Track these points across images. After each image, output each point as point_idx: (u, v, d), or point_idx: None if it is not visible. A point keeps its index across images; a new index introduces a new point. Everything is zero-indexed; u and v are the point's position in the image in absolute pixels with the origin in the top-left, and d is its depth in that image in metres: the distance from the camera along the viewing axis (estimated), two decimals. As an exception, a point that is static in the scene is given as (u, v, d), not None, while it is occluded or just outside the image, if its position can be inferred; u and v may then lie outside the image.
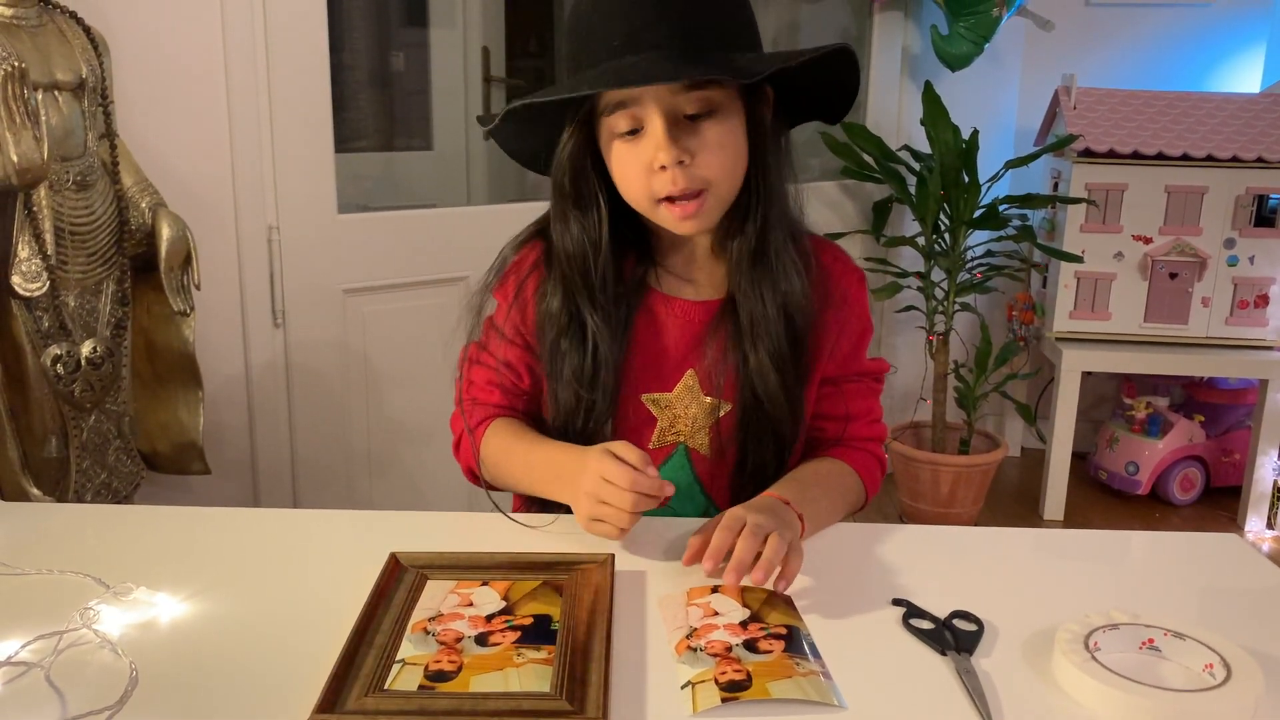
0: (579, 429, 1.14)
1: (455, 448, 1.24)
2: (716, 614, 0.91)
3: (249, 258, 2.04)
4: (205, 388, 1.91)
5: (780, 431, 1.17)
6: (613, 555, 0.97)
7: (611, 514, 0.99)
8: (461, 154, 3.06)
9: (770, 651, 0.84)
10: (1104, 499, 3.21)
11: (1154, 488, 3.14)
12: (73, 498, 1.74)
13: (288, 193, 2.06)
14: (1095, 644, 0.83)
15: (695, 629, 0.88)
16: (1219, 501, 3.17)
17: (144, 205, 1.78)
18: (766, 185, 1.11)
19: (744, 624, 0.89)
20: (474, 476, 1.21)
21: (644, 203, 1.08)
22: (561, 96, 1.05)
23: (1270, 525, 3.00)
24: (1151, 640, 0.85)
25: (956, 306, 2.90)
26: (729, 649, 0.85)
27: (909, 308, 2.99)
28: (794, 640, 0.86)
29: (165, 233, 1.77)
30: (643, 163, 1.05)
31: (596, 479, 0.99)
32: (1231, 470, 3.17)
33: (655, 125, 1.03)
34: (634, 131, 1.05)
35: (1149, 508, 3.15)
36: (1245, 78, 3.30)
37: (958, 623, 0.91)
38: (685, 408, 1.18)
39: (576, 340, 1.12)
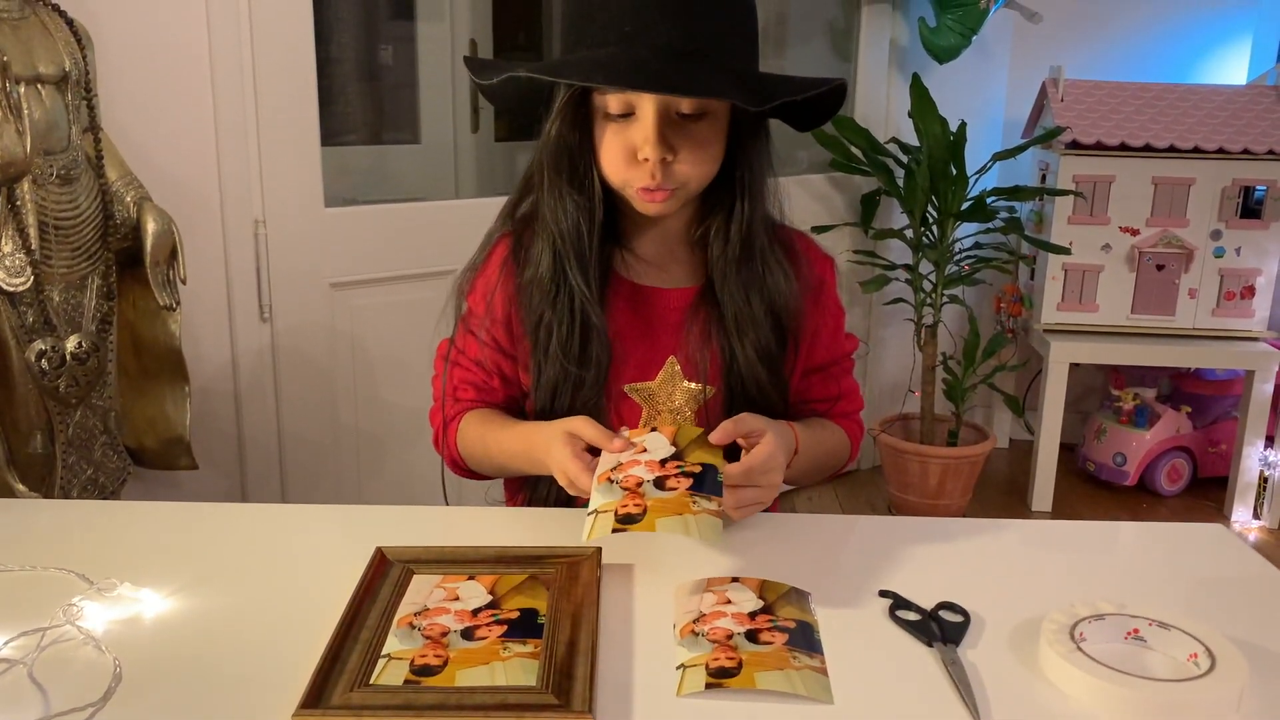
0: (565, 409, 1.13)
1: (435, 442, 1.25)
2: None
3: (235, 252, 2.03)
4: (192, 383, 1.90)
5: (769, 414, 1.17)
6: (600, 549, 0.97)
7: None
8: (449, 147, 3.05)
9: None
10: (1092, 490, 3.22)
11: (1141, 479, 3.15)
12: (59, 494, 1.73)
13: (274, 186, 2.05)
14: (1081, 634, 0.83)
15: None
16: (1206, 492, 3.18)
17: (129, 199, 1.77)
18: (751, 183, 1.12)
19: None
20: (457, 468, 1.23)
21: (618, 182, 1.10)
22: (572, 82, 1.04)
23: (1257, 515, 3.02)
24: (1137, 630, 0.86)
25: (945, 299, 2.90)
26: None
27: (897, 300, 2.99)
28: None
29: (150, 227, 1.76)
30: (627, 149, 1.06)
31: (558, 471, 1.02)
32: (1218, 461, 3.18)
33: (648, 119, 1.04)
34: (624, 114, 1.06)
35: (1136, 499, 3.17)
36: (1231, 69, 3.31)
37: (944, 614, 0.91)
38: (669, 395, 1.18)
39: (564, 310, 1.11)
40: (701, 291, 1.17)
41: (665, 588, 0.95)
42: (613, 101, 1.05)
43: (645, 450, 0.95)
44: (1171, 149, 2.84)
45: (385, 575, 0.93)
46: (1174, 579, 1.03)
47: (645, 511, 0.86)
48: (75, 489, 1.77)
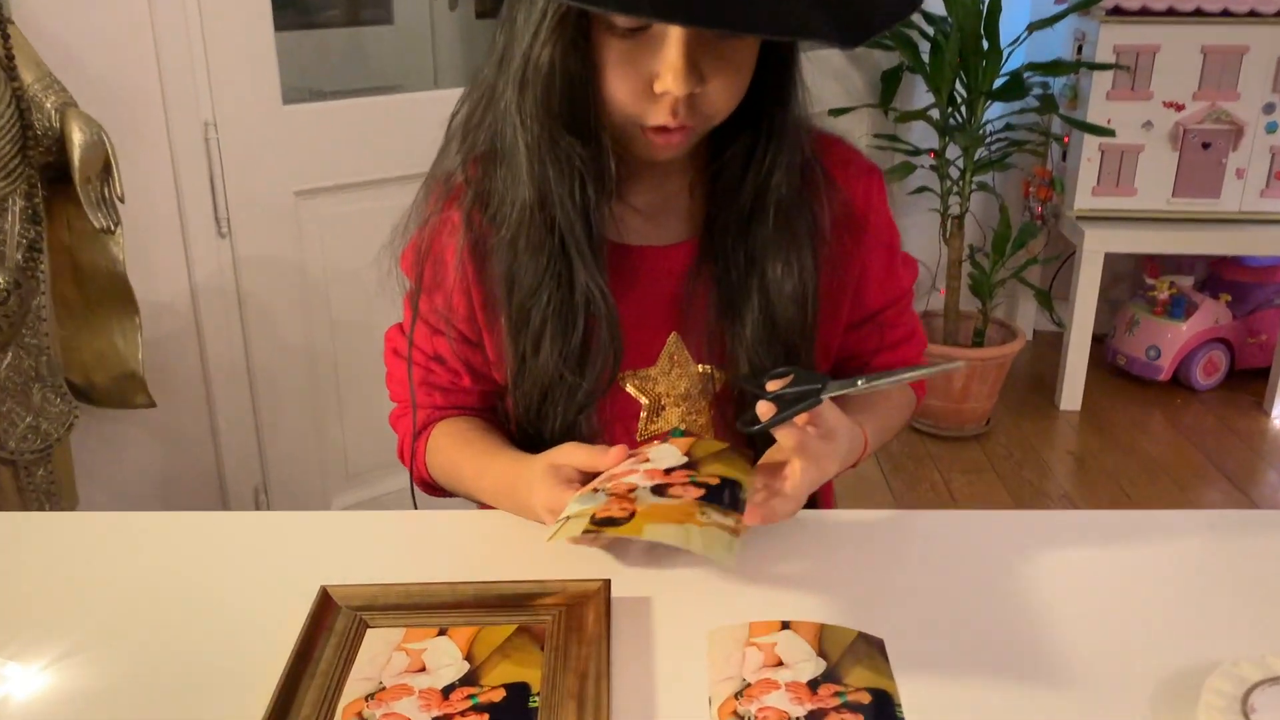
0: (554, 424, 0.91)
1: (401, 454, 1.02)
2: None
3: (184, 161, 1.80)
4: (144, 311, 1.70)
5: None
6: (608, 581, 0.75)
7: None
8: (426, 28, 2.76)
9: None
10: (1122, 385, 3.05)
11: (1175, 372, 2.96)
12: (-5, 445, 1.54)
13: (224, 82, 1.81)
14: (1253, 706, 0.63)
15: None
16: (1244, 384, 3.01)
17: (49, 106, 1.54)
18: (780, 118, 0.86)
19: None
20: (427, 488, 1.02)
21: (621, 118, 0.82)
22: (621, 12, 0.73)
23: (1299, 411, 2.84)
24: (1313, 694, 0.66)
25: (973, 186, 2.66)
26: None
27: (921, 189, 2.74)
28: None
29: (77, 138, 1.54)
30: (641, 77, 0.78)
31: (546, 513, 0.82)
32: (1258, 352, 3.00)
33: (674, 44, 0.76)
34: (637, 28, 0.77)
35: (1170, 394, 2.99)
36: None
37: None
38: (672, 383, 0.95)
39: (559, 302, 0.87)
40: (701, 246, 0.92)
41: (695, 632, 0.73)
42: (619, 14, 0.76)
43: (649, 460, 0.75)
44: (1225, 13, 2.58)
45: (330, 629, 0.71)
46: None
47: (633, 515, 0.68)
48: (13, 439, 1.57)
